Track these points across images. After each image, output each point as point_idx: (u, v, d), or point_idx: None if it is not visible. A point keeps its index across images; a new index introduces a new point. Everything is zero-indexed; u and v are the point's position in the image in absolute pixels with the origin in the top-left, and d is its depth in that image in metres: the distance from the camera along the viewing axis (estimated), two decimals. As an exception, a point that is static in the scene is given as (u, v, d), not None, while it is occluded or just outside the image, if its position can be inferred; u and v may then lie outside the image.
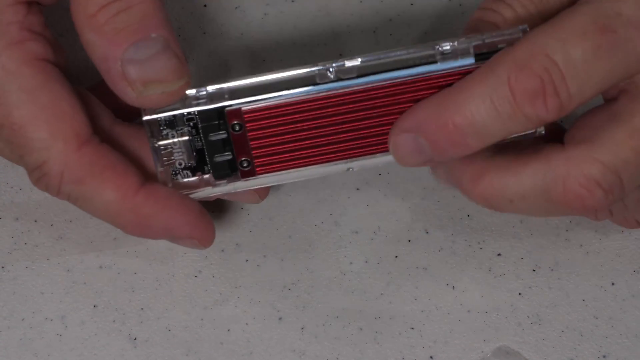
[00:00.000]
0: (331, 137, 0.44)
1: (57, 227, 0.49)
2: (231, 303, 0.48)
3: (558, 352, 0.47)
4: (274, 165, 0.44)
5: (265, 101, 0.43)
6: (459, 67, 0.42)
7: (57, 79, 0.43)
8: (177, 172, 0.44)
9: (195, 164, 0.44)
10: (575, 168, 0.41)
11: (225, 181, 0.44)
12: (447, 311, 0.48)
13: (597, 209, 0.42)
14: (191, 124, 0.43)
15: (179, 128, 0.44)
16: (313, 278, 0.49)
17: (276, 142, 0.44)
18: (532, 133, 0.43)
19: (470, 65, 0.42)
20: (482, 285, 0.48)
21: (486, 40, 0.42)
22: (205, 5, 0.52)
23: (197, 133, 0.44)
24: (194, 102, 0.43)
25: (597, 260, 0.49)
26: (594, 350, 0.47)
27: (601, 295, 0.48)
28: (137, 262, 0.49)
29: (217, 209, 0.49)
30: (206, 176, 0.44)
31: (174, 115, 0.43)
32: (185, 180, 0.45)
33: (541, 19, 0.42)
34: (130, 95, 0.42)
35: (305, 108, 0.43)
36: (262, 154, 0.44)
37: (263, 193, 0.47)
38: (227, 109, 0.43)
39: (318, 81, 0.43)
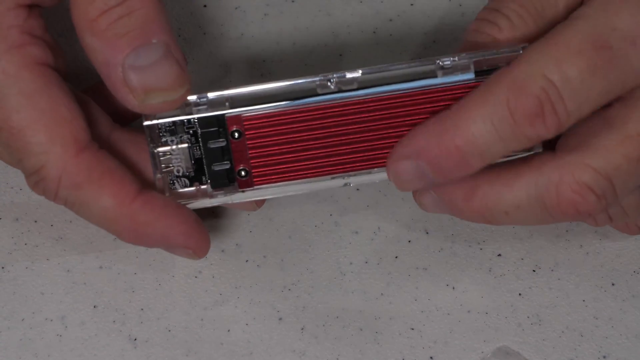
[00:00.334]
0: (330, 149, 0.44)
1: (57, 227, 0.49)
2: (231, 303, 0.48)
3: (558, 352, 0.47)
4: (272, 177, 0.44)
5: (266, 109, 0.43)
6: (459, 81, 0.43)
7: (56, 83, 0.43)
8: (175, 180, 0.44)
9: (193, 173, 0.44)
10: (567, 174, 0.42)
11: (222, 192, 0.45)
12: (447, 311, 0.48)
13: (590, 214, 0.43)
14: (191, 131, 0.43)
15: (179, 135, 0.44)
16: (313, 278, 0.49)
17: (275, 151, 0.44)
18: (530, 149, 0.43)
19: (470, 80, 0.43)
20: (482, 286, 0.48)
21: (487, 57, 0.42)
22: (205, 6, 0.52)
23: (197, 141, 0.44)
24: (194, 108, 0.43)
25: (597, 260, 0.49)
26: (594, 350, 0.47)
27: (601, 295, 0.48)
28: (137, 263, 0.49)
29: (217, 209, 0.49)
30: (204, 187, 0.45)
31: (173, 122, 0.43)
32: (183, 189, 0.45)
33: (537, 30, 0.43)
34: (132, 102, 0.42)
35: (305, 117, 0.43)
36: (260, 163, 0.44)
37: (260, 201, 0.47)
38: (227, 115, 0.43)
39: (319, 92, 0.43)
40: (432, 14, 0.53)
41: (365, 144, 0.44)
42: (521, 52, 0.42)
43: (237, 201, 0.45)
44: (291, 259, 0.49)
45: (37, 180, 0.43)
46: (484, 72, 0.43)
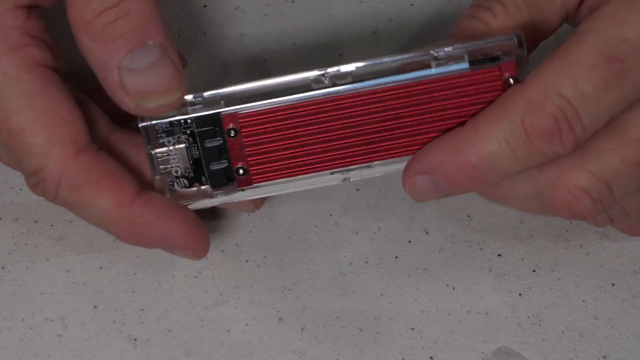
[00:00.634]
0: (327, 144, 0.44)
1: (57, 227, 0.49)
2: (231, 303, 0.48)
3: (558, 352, 0.47)
4: (270, 174, 0.44)
5: (261, 106, 0.43)
6: (453, 71, 0.43)
7: (56, 84, 0.43)
8: (174, 181, 0.44)
9: (192, 173, 0.44)
10: (565, 176, 0.42)
11: (222, 191, 0.45)
12: (447, 312, 0.48)
13: (585, 218, 0.43)
14: (188, 131, 0.44)
15: (176, 135, 0.44)
16: (313, 278, 0.49)
17: (272, 148, 0.44)
18: None
19: (464, 70, 0.43)
20: (483, 286, 0.48)
21: (481, 47, 0.42)
22: (205, 6, 0.52)
23: (194, 140, 0.44)
24: (190, 108, 0.43)
25: (597, 260, 0.49)
26: (594, 350, 0.47)
27: (601, 295, 0.48)
28: (137, 263, 0.49)
29: (217, 209, 0.49)
30: (203, 187, 0.45)
31: (170, 122, 0.43)
32: (182, 190, 0.45)
33: (532, 20, 0.43)
34: (128, 105, 0.42)
35: (301, 113, 0.43)
36: (257, 161, 0.44)
37: (259, 202, 0.47)
38: (223, 113, 0.43)
39: (313, 87, 0.43)
40: (432, 14, 0.53)
41: (362, 137, 0.44)
42: (515, 41, 0.42)
43: (237, 200, 0.45)
44: (291, 259, 0.49)
45: (36, 182, 0.43)
46: (478, 62, 0.42)
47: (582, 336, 0.48)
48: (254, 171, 0.44)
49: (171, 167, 0.44)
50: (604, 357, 0.47)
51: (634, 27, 0.41)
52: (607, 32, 0.41)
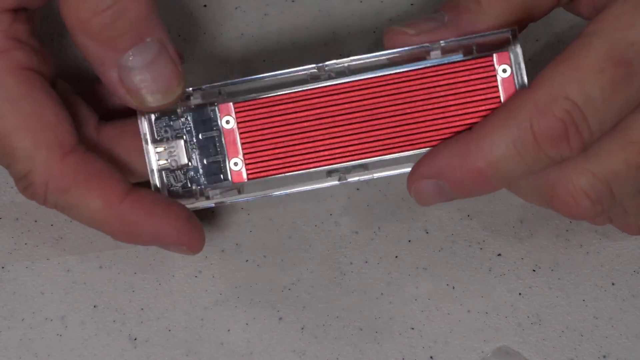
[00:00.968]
0: (323, 138, 0.44)
1: (57, 227, 0.49)
2: (231, 303, 0.48)
3: (558, 352, 0.47)
4: (265, 168, 0.44)
5: (257, 98, 0.44)
6: (447, 62, 0.43)
7: (41, 88, 0.43)
8: (171, 175, 0.45)
9: (188, 167, 0.44)
10: (565, 177, 0.42)
11: (217, 192, 0.45)
12: (447, 311, 0.48)
13: (584, 218, 0.43)
14: (185, 126, 0.44)
15: (173, 130, 0.44)
16: (313, 278, 0.49)
17: (267, 141, 0.44)
18: None
19: (458, 59, 0.43)
20: (482, 286, 0.48)
21: (475, 41, 0.43)
22: (205, 5, 0.52)
23: (191, 134, 0.44)
24: (187, 101, 0.44)
25: (597, 260, 0.49)
26: (594, 350, 0.47)
27: (601, 295, 0.48)
28: (137, 263, 0.49)
29: (217, 209, 0.49)
30: (199, 186, 0.45)
31: (168, 117, 0.44)
32: (178, 188, 0.45)
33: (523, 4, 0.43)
34: (130, 103, 0.42)
35: (297, 106, 0.44)
36: (252, 154, 0.44)
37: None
38: (219, 103, 0.44)
39: (310, 80, 0.44)
40: (432, 14, 0.53)
41: (358, 134, 0.44)
42: (510, 35, 0.42)
43: (234, 201, 0.45)
44: (291, 259, 0.49)
45: (25, 186, 0.43)
46: (472, 54, 0.43)
47: (582, 336, 0.48)
48: (249, 164, 0.44)
49: (168, 161, 0.44)
50: (604, 356, 0.47)
51: None
52: (614, 35, 0.41)
